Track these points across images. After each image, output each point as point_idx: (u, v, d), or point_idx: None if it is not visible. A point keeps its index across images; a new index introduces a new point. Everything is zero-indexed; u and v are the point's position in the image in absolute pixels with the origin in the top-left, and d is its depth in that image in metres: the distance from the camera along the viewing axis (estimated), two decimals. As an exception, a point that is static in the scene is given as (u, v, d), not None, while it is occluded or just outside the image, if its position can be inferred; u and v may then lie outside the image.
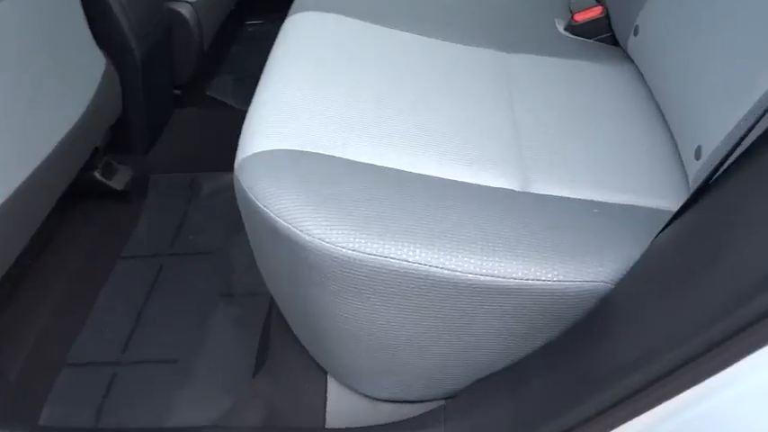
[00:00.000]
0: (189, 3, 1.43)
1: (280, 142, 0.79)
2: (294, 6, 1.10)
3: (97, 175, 1.25)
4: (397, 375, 0.77)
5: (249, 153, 0.77)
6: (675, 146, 0.87)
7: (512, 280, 0.64)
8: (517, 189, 0.78)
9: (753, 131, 0.60)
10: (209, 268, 1.21)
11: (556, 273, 0.65)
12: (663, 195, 0.79)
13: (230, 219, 1.29)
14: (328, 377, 0.84)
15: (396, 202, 0.70)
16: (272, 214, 0.69)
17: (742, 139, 0.61)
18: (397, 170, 0.77)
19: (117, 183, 1.29)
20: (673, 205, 0.78)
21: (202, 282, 1.18)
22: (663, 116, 0.92)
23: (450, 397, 0.78)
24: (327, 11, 1.06)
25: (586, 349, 0.66)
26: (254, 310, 1.13)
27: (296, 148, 0.78)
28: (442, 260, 0.65)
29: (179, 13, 1.41)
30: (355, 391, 0.82)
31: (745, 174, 0.61)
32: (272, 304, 1.10)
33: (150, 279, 1.18)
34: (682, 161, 0.84)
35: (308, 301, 0.73)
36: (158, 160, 1.40)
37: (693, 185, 0.76)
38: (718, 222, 0.60)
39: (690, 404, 0.53)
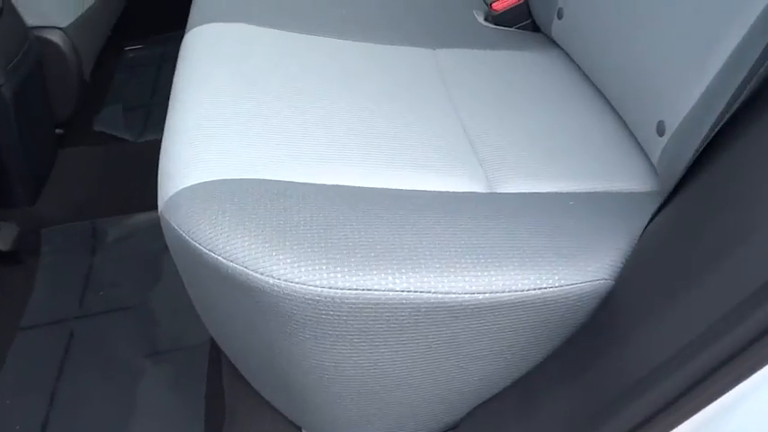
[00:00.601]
0: (60, 29, 1.26)
1: (210, 172, 0.67)
2: (192, 20, 0.98)
3: (-26, 237, 1.07)
4: (386, 418, 0.68)
5: (177, 188, 0.65)
6: (625, 125, 0.84)
7: (512, 293, 0.57)
8: (484, 191, 0.71)
9: (739, 99, 0.56)
10: (129, 326, 1.06)
11: (557, 278, 0.58)
12: (630, 177, 0.76)
13: (144, 266, 1.15)
14: (304, 433, 0.74)
15: (363, 225, 0.61)
16: (221, 259, 0.58)
17: (725, 111, 0.57)
18: (352, 187, 0.68)
19: (1, 243, 1.10)
20: (642, 186, 0.75)
21: (123, 343, 1.03)
22: (603, 97, 0.90)
23: (448, 429, 0.69)
24: (231, 21, 0.95)
25: (595, 357, 0.60)
26: (191, 365, 0.99)
27: (230, 177, 0.67)
28: (432, 283, 0.56)
29: (50, 42, 1.24)
30: (338, 443, 0.72)
31: (734, 148, 0.57)
32: (214, 353, 0.97)
33: (60, 350, 1.01)
34: (636, 139, 0.81)
35: (275, 351, 0.62)
36: (48, 211, 1.22)
37: (661, 163, 0.73)
38: (716, 206, 0.56)
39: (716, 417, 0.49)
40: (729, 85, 0.59)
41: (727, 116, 0.56)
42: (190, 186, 0.65)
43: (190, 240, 0.61)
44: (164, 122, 0.78)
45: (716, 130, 0.57)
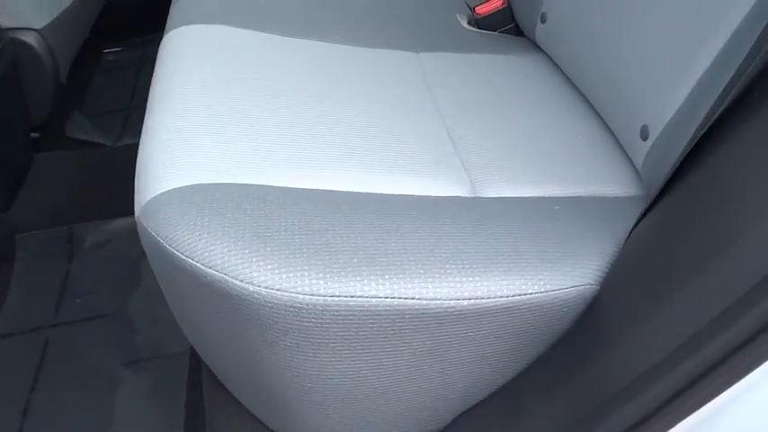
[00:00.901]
0: (35, 30, 1.23)
1: (188, 176, 0.66)
2: (171, 21, 0.96)
3: (-53, 243, 1.04)
4: (369, 426, 0.66)
5: (154, 193, 0.64)
6: (608, 129, 0.84)
7: (497, 299, 0.57)
8: (468, 195, 0.70)
9: (724, 102, 0.56)
10: (107, 334, 1.04)
11: (542, 283, 0.57)
12: (614, 181, 0.76)
13: (122, 272, 1.12)
14: (286, 443, 0.72)
15: (345, 230, 0.60)
16: (200, 266, 0.56)
17: (710, 114, 0.57)
18: (334, 191, 0.67)
19: (-26, 250, 1.07)
20: (627, 190, 0.75)
21: (101, 351, 1.01)
22: (587, 101, 0.90)
23: (432, 439, 0.68)
24: (211, 23, 0.93)
25: (581, 362, 0.59)
26: (170, 373, 0.97)
27: (209, 181, 0.65)
28: (417, 289, 0.55)
29: (24, 43, 1.21)
30: (320, 453, 0.70)
31: (719, 151, 0.57)
32: (194, 361, 0.96)
33: (34, 359, 0.98)
34: (620, 144, 0.81)
35: (256, 359, 0.61)
36: (24, 216, 1.19)
37: (645, 167, 0.72)
38: (701, 209, 0.56)
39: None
40: (714, 88, 0.59)
41: (713, 119, 0.56)
42: (167, 191, 0.63)
43: (167, 246, 0.59)
44: (142, 126, 0.76)
45: (700, 133, 0.57)
